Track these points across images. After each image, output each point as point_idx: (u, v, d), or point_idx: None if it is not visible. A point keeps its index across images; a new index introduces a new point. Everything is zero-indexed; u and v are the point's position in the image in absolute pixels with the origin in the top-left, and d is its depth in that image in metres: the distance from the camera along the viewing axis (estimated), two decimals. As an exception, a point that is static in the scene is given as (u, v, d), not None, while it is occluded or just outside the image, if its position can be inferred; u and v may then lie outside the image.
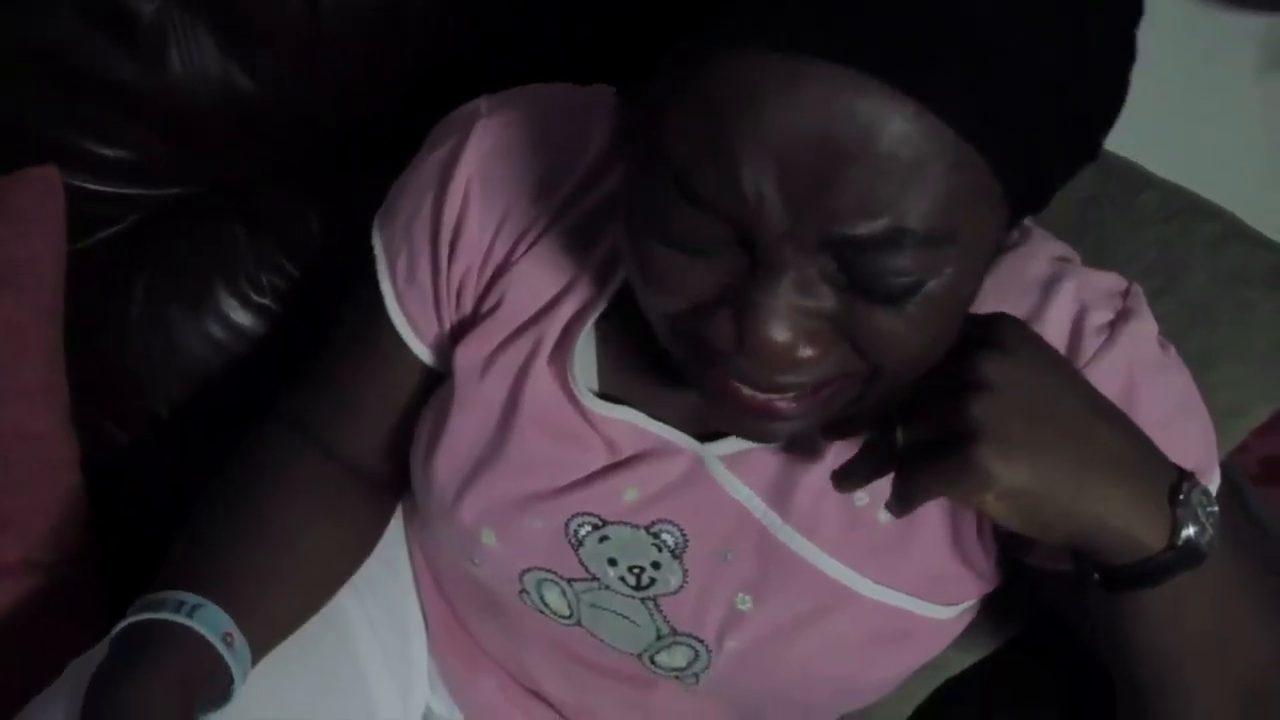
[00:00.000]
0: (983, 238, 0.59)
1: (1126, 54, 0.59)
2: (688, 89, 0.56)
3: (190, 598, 0.81)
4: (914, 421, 0.66)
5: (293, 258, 1.19)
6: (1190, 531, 0.64)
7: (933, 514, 0.78)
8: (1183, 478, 0.66)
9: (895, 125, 0.53)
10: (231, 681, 0.82)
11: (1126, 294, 0.76)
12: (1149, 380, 0.73)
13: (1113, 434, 0.65)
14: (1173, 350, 0.76)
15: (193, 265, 1.16)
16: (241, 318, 1.18)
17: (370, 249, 0.88)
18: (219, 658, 0.80)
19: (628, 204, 0.63)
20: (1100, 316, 0.74)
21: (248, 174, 1.19)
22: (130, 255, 1.16)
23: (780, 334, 0.59)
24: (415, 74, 1.15)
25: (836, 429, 0.73)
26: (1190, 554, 0.65)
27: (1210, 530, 0.65)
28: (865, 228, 0.55)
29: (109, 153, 1.12)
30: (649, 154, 0.59)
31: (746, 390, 0.64)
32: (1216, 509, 0.66)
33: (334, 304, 1.13)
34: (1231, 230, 0.93)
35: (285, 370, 1.11)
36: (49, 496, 1.08)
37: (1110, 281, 0.77)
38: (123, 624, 0.81)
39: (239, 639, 0.81)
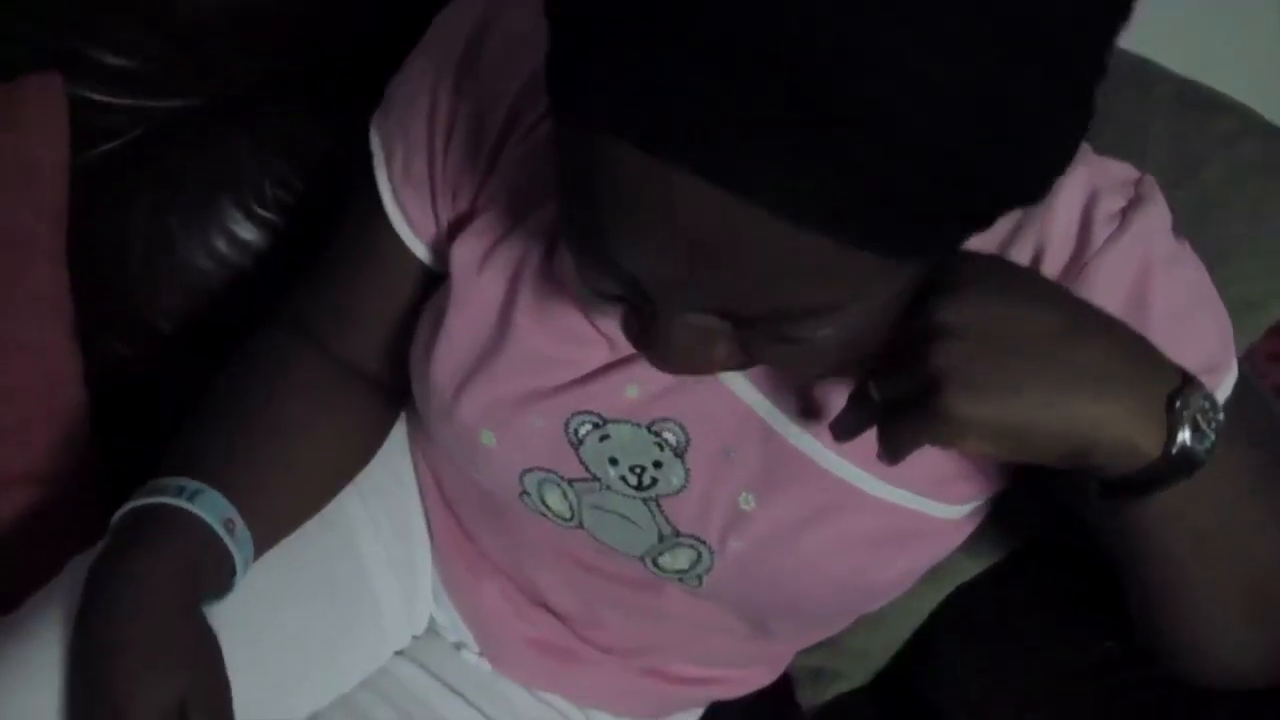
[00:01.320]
0: (889, 286, 0.57)
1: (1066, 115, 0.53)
2: (563, 161, 0.56)
3: (191, 483, 0.80)
4: (886, 375, 0.65)
5: (297, 171, 1.18)
6: (1185, 437, 0.63)
7: None
8: (1184, 382, 0.64)
9: (771, 238, 0.50)
10: (234, 571, 0.81)
11: (1139, 183, 0.74)
12: (1163, 270, 0.71)
13: (1095, 348, 0.63)
14: (1187, 243, 0.74)
15: (196, 178, 1.15)
16: (245, 231, 1.17)
17: (365, 156, 0.87)
18: (221, 544, 0.80)
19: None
20: (1112, 203, 0.72)
21: (252, 87, 1.18)
22: (133, 168, 1.15)
23: (683, 340, 0.60)
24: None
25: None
26: (1186, 461, 0.63)
27: (1211, 435, 0.63)
28: (746, 312, 0.56)
29: (113, 60, 1.11)
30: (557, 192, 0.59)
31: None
32: (1220, 415, 0.64)
33: (338, 218, 1.13)
34: (1247, 123, 0.92)
35: (289, 284, 1.10)
36: (52, 409, 1.08)
37: (1123, 170, 0.74)
38: (122, 510, 0.80)
39: (240, 526, 0.81)
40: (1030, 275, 0.67)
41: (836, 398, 0.75)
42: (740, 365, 0.63)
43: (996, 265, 0.65)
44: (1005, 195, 0.53)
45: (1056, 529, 0.94)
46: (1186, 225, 0.75)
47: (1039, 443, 0.62)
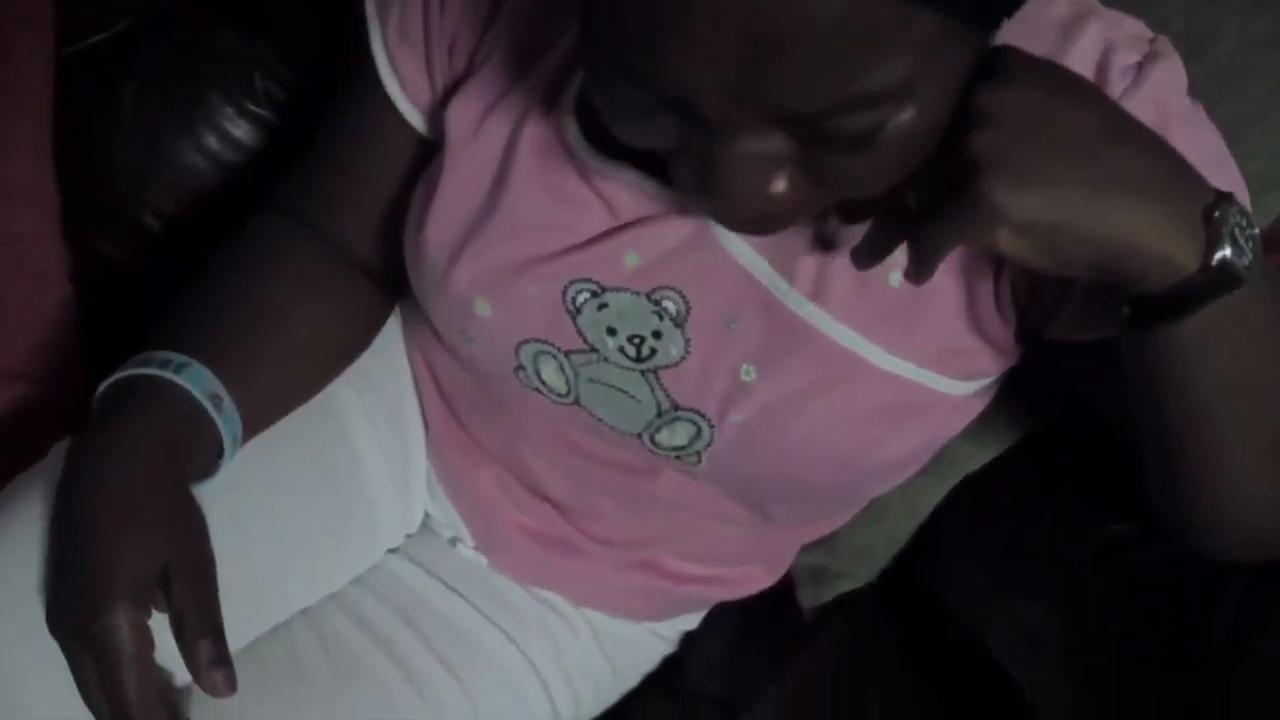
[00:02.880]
0: (944, 71, 0.57)
1: None
2: None
3: (177, 356, 0.79)
4: (924, 179, 0.63)
5: (288, 64, 1.15)
6: (1226, 252, 0.60)
7: (946, 281, 0.74)
8: (1220, 198, 0.62)
9: (822, 7, 0.50)
10: (220, 449, 0.79)
11: (1154, 41, 0.72)
12: (1178, 127, 0.68)
13: (1135, 154, 0.61)
14: (1202, 108, 0.72)
15: (184, 72, 1.13)
16: (235, 127, 1.15)
17: (358, 26, 0.85)
18: (207, 418, 0.78)
19: (580, 57, 0.61)
20: (1127, 57, 0.70)
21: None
22: (120, 62, 1.13)
23: (743, 179, 0.58)
24: None
25: (848, 211, 0.71)
26: (1227, 276, 0.61)
27: (1249, 253, 0.61)
28: (810, 105, 0.54)
29: (97, -51, 1.09)
30: (592, 43, 0.57)
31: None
32: (1256, 231, 0.62)
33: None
34: (1263, -5, 0.89)
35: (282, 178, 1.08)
36: (37, 305, 1.06)
37: (1137, 26, 0.72)
38: (107, 382, 0.79)
39: (228, 402, 0.79)
40: (1075, 76, 0.64)
41: (840, 266, 0.73)
42: (802, 204, 0.61)
43: (1041, 62, 0.63)
44: None
45: (1064, 415, 0.92)
46: (1202, 100, 0.73)
47: (1073, 243, 0.60)
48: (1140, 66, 0.70)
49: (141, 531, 0.72)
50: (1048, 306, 0.73)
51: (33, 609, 0.74)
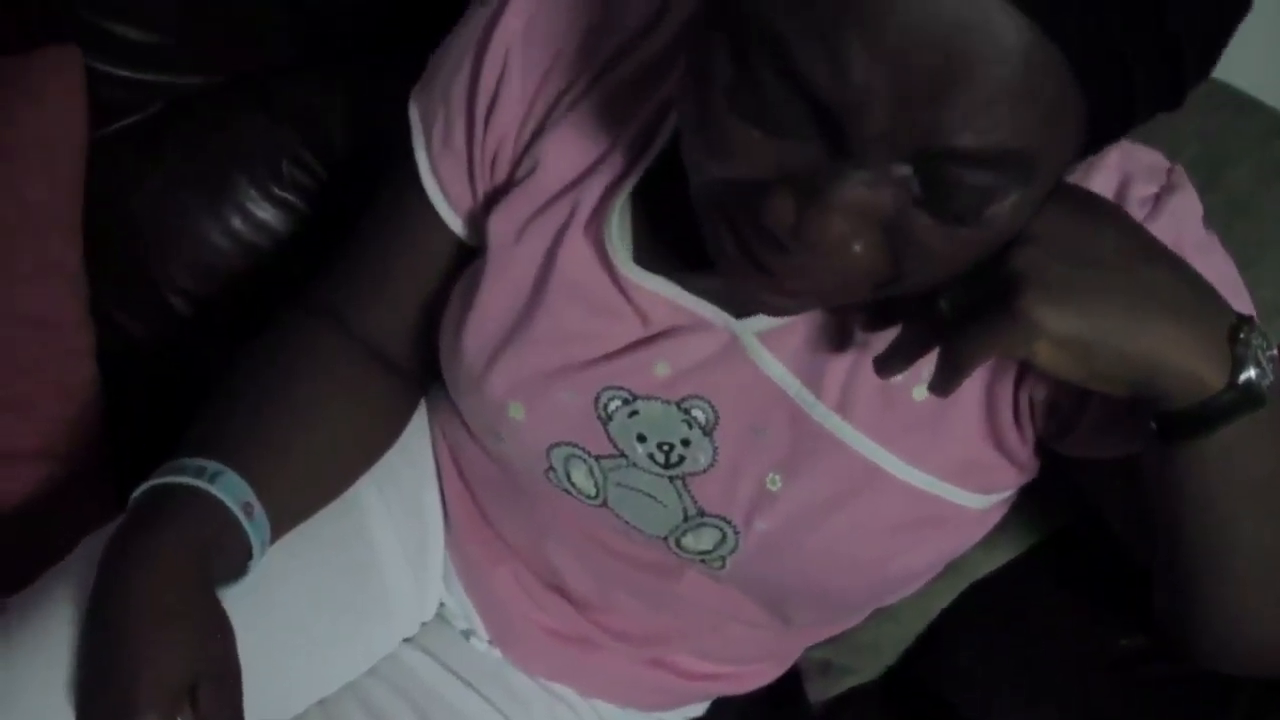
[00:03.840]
0: (1054, 166, 0.58)
1: None
2: None
3: (211, 464, 0.80)
4: (958, 284, 0.65)
5: (314, 150, 1.18)
6: (1251, 372, 0.63)
7: (968, 395, 0.76)
8: (1241, 320, 0.65)
9: (1014, 42, 0.51)
10: (249, 555, 0.81)
11: (1171, 171, 0.75)
12: (1195, 257, 0.70)
13: (1164, 274, 0.64)
14: (1216, 236, 0.75)
15: (213, 155, 1.15)
16: (261, 210, 1.17)
17: (401, 131, 0.87)
18: (238, 527, 0.79)
19: (699, 66, 0.60)
20: (1144, 189, 0.73)
21: (269, 64, 1.18)
22: (151, 143, 1.15)
23: (837, 228, 0.58)
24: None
25: (878, 315, 0.73)
26: (1251, 396, 0.64)
27: (1270, 374, 0.64)
28: (969, 142, 0.54)
29: (131, 34, 1.11)
30: (744, 21, 0.57)
31: (754, 272, 0.64)
32: (1275, 352, 0.65)
33: (355, 196, 1.12)
34: (1277, 124, 0.92)
35: (304, 263, 1.10)
36: (66, 384, 1.08)
37: (1153, 157, 0.75)
38: (142, 488, 0.80)
39: (258, 510, 0.80)
40: (1104, 199, 0.68)
41: (866, 381, 0.75)
42: (872, 271, 0.61)
43: (1077, 187, 0.66)
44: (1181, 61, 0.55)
45: (1076, 523, 0.94)
46: (1217, 225, 0.76)
47: (1108, 359, 0.63)
48: (1158, 198, 0.72)
49: (172, 643, 0.73)
50: (1063, 423, 0.75)
51: (63, 713, 0.75)
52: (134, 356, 1.16)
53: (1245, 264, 0.77)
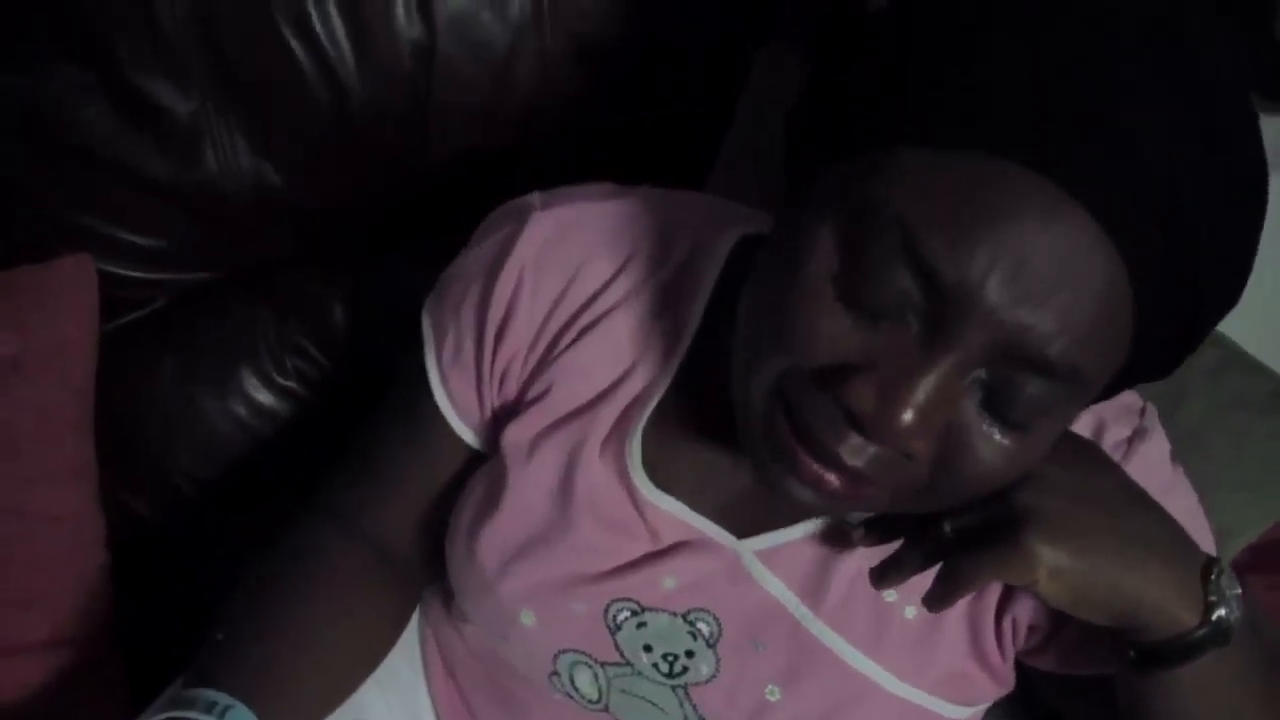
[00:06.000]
0: (1093, 395, 0.65)
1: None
2: (933, 174, 0.59)
3: (222, 698, 0.82)
4: (960, 513, 0.70)
5: (314, 341, 1.21)
6: (1222, 611, 0.69)
7: (954, 613, 0.81)
8: (1211, 561, 0.71)
9: (1107, 273, 0.58)
10: None
11: (1143, 412, 0.81)
12: (1163, 499, 0.76)
13: (1148, 517, 0.71)
14: (1181, 469, 0.81)
15: (218, 347, 1.19)
16: (264, 398, 1.20)
17: (409, 332, 0.89)
18: None
19: (794, 255, 0.64)
20: (1118, 432, 0.79)
21: (272, 257, 1.22)
22: (157, 337, 1.18)
23: (911, 418, 0.61)
24: (436, 166, 1.18)
25: (878, 531, 0.77)
26: (1221, 632, 0.70)
27: (1237, 611, 0.70)
28: (1054, 352, 0.59)
29: (141, 241, 1.15)
30: (864, 209, 0.61)
31: (808, 458, 0.66)
32: (1240, 591, 0.71)
33: (355, 385, 1.16)
34: (1230, 358, 0.96)
35: (306, 448, 1.14)
36: (77, 575, 1.10)
37: (1128, 398, 0.81)
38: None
39: None
40: (1097, 446, 0.75)
41: (861, 600, 0.80)
42: (918, 473, 0.65)
43: (1071, 433, 0.72)
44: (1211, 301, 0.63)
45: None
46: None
47: (1097, 594, 0.68)
48: (1130, 441, 0.79)
49: None
50: (1041, 642, 0.81)
51: None
52: (143, 537, 1.19)
53: (1200, 493, 0.82)
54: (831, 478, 0.66)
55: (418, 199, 1.20)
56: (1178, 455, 0.81)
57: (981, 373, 0.61)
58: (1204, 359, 0.96)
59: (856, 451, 0.64)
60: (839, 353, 0.63)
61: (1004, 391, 0.62)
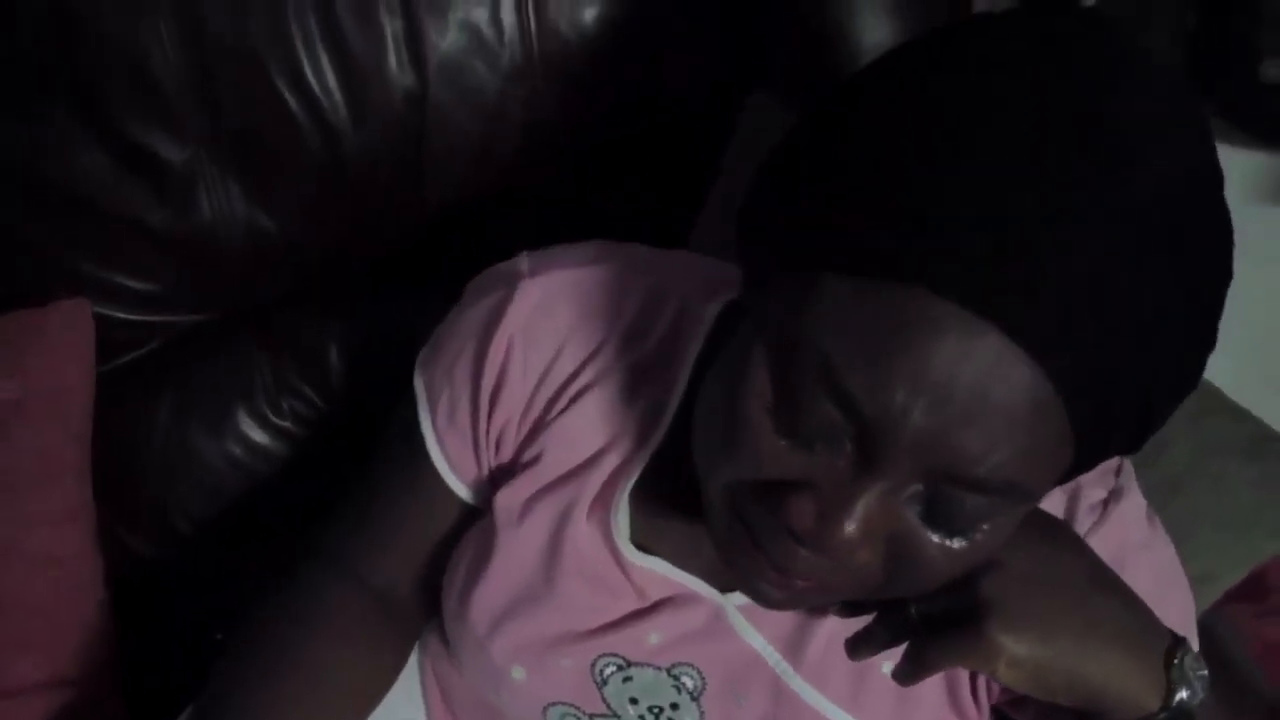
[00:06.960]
0: (1040, 494, 0.65)
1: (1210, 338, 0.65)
2: (851, 305, 0.59)
3: None
4: (927, 600, 0.71)
5: (309, 381, 1.23)
6: (1183, 695, 0.70)
7: (934, 676, 0.82)
8: (1176, 642, 0.71)
9: (1031, 392, 0.58)
10: None
11: (1119, 471, 0.81)
12: (1135, 558, 0.78)
13: (1111, 602, 0.71)
14: (1158, 522, 0.82)
15: (214, 387, 1.20)
16: (260, 438, 1.22)
17: (404, 374, 0.90)
18: None
19: (735, 380, 0.65)
20: (1094, 494, 0.80)
21: (267, 299, 1.23)
22: (154, 378, 1.20)
23: (853, 532, 0.63)
24: (430, 211, 1.20)
25: (854, 606, 0.77)
26: (1183, 714, 0.70)
27: (1200, 692, 0.71)
28: (982, 471, 0.60)
29: (137, 285, 1.16)
30: (791, 342, 0.62)
31: (767, 566, 0.68)
32: (1206, 672, 0.72)
33: (350, 426, 1.17)
34: (1211, 403, 0.98)
35: (302, 488, 1.15)
36: (77, 615, 1.11)
37: None
38: None
39: None
40: (1063, 525, 0.75)
41: (841, 656, 0.79)
42: (869, 577, 0.67)
43: (1038, 512, 0.72)
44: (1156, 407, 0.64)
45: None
46: (1155, 501, 0.82)
47: (1059, 681, 0.69)
48: (1105, 503, 0.79)
49: None
50: (1017, 699, 0.80)
51: None
52: (141, 576, 1.21)
53: (1178, 540, 0.83)
54: (795, 581, 0.68)
55: (413, 240, 1.21)
56: (1160, 501, 0.83)
57: (919, 487, 0.62)
58: (1185, 405, 0.97)
59: (808, 563, 0.66)
60: (780, 470, 0.64)
61: (943, 505, 0.62)
